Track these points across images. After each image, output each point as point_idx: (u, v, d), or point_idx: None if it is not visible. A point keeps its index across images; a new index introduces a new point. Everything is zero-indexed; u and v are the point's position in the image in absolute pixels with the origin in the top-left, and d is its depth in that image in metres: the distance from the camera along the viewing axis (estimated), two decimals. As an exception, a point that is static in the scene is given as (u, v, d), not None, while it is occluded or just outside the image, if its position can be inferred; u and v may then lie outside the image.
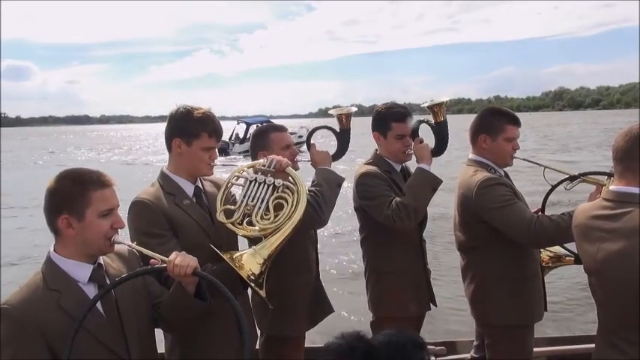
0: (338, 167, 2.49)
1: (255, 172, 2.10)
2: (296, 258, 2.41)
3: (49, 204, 1.61)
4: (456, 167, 2.74)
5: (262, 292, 1.87)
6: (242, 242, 2.28)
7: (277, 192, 2.04)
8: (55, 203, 1.59)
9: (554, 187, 2.63)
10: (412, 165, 2.79)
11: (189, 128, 2.07)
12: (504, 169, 2.59)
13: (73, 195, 1.58)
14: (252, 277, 1.85)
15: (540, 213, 2.54)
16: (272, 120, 28.51)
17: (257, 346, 2.53)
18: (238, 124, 28.97)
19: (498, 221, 2.36)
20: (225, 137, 27.45)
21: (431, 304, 2.79)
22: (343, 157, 2.65)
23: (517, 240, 2.37)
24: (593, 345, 1.79)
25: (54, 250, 1.64)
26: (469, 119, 2.75)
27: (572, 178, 2.57)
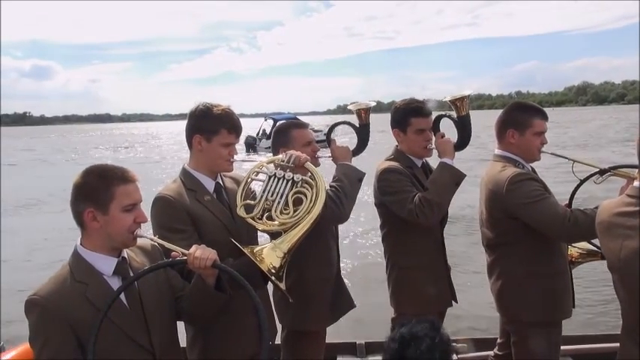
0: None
1: (275, 168, 2.12)
2: (318, 253, 2.42)
3: (75, 198, 1.66)
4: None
5: (282, 285, 1.89)
6: (262, 238, 2.30)
7: (296, 187, 2.06)
8: (81, 197, 1.65)
9: (582, 182, 2.58)
10: (432, 161, 2.76)
11: (209, 125, 2.11)
12: (531, 164, 2.54)
13: (98, 189, 1.63)
14: (272, 271, 1.87)
15: (572, 208, 2.48)
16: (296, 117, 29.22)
17: (278, 341, 2.54)
18: (266, 120, 29.71)
19: (530, 217, 2.31)
20: (253, 133, 28.19)
21: (452, 301, 2.76)
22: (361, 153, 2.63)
23: (550, 235, 2.34)
24: (618, 344, 1.77)
25: (80, 244, 1.69)
26: (490, 115, 2.72)
27: (602, 172, 2.52)
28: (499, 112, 2.63)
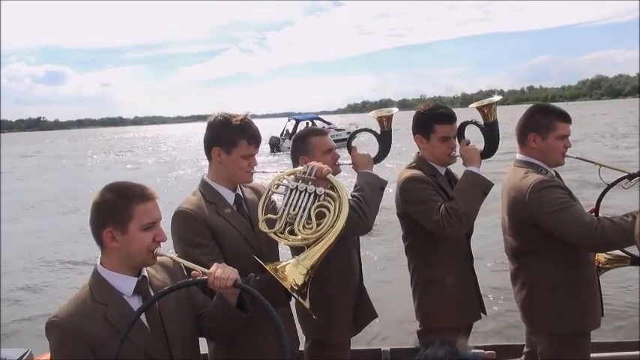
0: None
1: (296, 180, 2.05)
2: (340, 263, 2.37)
3: (94, 217, 1.63)
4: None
5: (306, 303, 1.83)
6: (282, 249, 2.25)
7: (319, 200, 1.99)
8: (100, 216, 1.61)
9: (610, 186, 2.51)
10: (454, 168, 2.69)
11: (228, 136, 2.06)
12: (555, 168, 2.45)
13: (116, 208, 1.60)
14: (295, 288, 1.82)
15: (600, 215, 2.41)
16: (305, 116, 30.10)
17: (300, 348, 2.52)
18: (289, 120, 31.05)
19: (555, 226, 2.23)
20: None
21: (481, 314, 2.67)
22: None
23: (576, 244, 2.25)
24: None
25: (100, 263, 1.66)
26: (501, 111, 2.64)
27: (630, 177, 2.44)
28: (511, 108, 2.56)
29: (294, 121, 29.64)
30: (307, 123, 30.13)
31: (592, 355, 2.93)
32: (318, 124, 30.29)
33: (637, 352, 2.96)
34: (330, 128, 28.50)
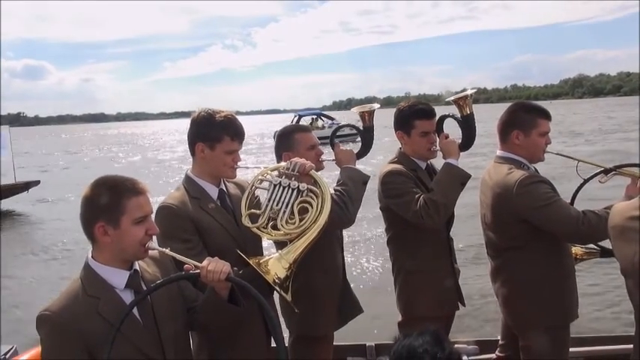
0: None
1: (279, 176, 2.07)
2: (323, 258, 2.39)
3: (85, 211, 1.62)
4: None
5: (288, 297, 1.86)
6: (267, 244, 2.26)
7: (302, 196, 2.01)
8: (91, 211, 1.61)
9: (586, 181, 2.57)
10: (436, 162, 2.72)
11: (212, 132, 2.08)
12: (535, 165, 2.51)
13: (108, 203, 1.59)
14: (277, 282, 1.84)
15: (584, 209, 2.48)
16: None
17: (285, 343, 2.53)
18: (295, 116, 31.80)
19: (544, 220, 2.27)
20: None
21: (460, 304, 2.71)
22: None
23: (563, 237, 2.30)
24: (631, 345, 1.74)
25: (91, 257, 1.66)
26: (485, 109, 2.68)
27: (606, 171, 2.49)
28: (495, 106, 2.58)
29: (298, 117, 30.41)
30: (312, 119, 30.53)
31: (588, 348, 2.98)
32: (324, 120, 30.69)
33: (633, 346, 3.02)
34: (333, 124, 28.86)
